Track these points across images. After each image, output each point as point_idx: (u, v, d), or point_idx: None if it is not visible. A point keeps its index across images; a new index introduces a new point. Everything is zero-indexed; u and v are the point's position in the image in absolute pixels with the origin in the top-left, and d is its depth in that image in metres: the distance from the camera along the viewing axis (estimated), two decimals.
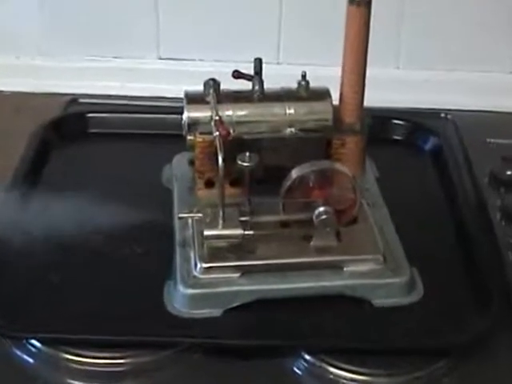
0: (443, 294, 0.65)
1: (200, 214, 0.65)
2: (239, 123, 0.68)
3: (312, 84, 0.69)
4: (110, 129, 0.83)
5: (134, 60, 0.93)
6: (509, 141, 0.83)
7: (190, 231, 0.66)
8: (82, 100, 0.90)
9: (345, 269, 0.64)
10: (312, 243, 0.65)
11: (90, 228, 0.66)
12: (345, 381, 0.59)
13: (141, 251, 0.68)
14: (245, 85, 0.69)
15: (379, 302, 0.64)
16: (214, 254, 0.64)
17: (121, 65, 0.93)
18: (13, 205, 0.70)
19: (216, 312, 0.62)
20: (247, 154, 0.64)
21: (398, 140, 0.83)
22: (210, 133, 0.65)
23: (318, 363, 0.59)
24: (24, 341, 0.60)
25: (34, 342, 0.60)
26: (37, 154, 0.79)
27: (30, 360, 0.60)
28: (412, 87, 0.89)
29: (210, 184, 0.69)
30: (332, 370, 0.59)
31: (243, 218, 0.64)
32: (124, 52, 0.93)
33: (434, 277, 0.66)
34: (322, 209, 0.64)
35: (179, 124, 0.69)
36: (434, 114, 0.88)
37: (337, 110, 0.69)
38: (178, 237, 0.67)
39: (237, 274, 0.63)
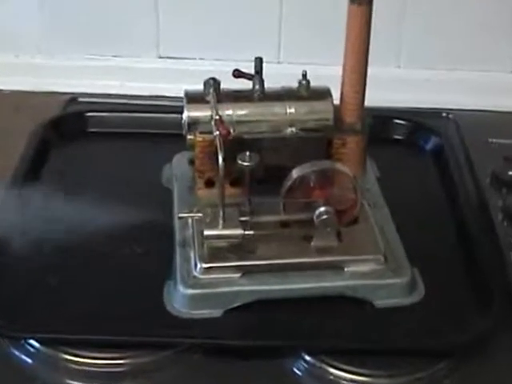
0: (444, 294, 0.65)
1: (200, 214, 0.65)
2: (239, 123, 0.68)
3: (313, 83, 0.69)
4: (110, 128, 0.83)
5: (133, 59, 0.93)
6: (511, 141, 0.83)
7: (190, 231, 0.66)
8: (81, 99, 0.90)
9: (346, 269, 0.64)
10: (313, 243, 0.65)
11: (89, 228, 0.66)
12: (345, 382, 0.58)
13: (141, 251, 0.68)
14: (245, 84, 0.69)
15: (380, 302, 0.63)
16: (214, 254, 0.64)
17: (120, 64, 0.93)
18: (12, 204, 0.69)
19: (216, 312, 0.62)
20: (247, 153, 0.64)
21: (398, 140, 0.83)
22: (210, 132, 0.65)
23: (318, 364, 0.59)
24: (23, 341, 0.60)
25: (32, 342, 0.60)
26: (36, 153, 0.79)
27: (29, 360, 0.60)
28: (413, 86, 0.89)
29: (210, 184, 0.69)
30: (332, 370, 0.59)
31: (243, 218, 0.64)
32: (124, 51, 0.93)
33: (435, 277, 0.66)
34: (322, 209, 0.63)
35: (179, 123, 0.69)
36: (435, 113, 0.88)
37: (338, 110, 0.69)
38: (177, 237, 0.67)
39: (237, 275, 0.63)
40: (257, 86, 0.68)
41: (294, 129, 0.69)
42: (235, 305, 0.62)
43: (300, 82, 0.69)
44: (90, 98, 0.89)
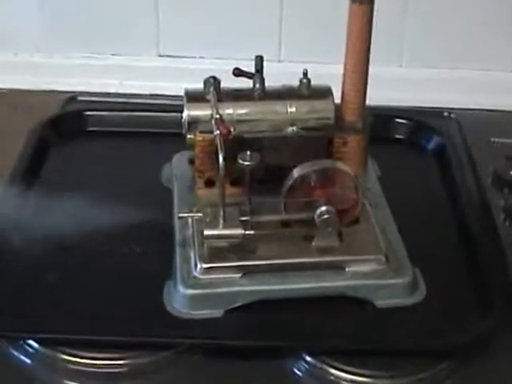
0: (446, 294, 0.65)
1: (200, 214, 0.65)
2: (240, 122, 0.68)
3: (314, 82, 0.69)
4: (109, 127, 0.83)
5: (133, 57, 0.92)
6: None
7: (190, 231, 0.66)
8: (80, 98, 0.89)
9: (347, 269, 0.64)
10: (314, 243, 0.64)
11: (88, 227, 0.66)
12: (345, 382, 0.58)
13: (140, 251, 0.67)
14: (246, 83, 0.69)
15: (381, 302, 0.63)
16: (215, 254, 0.63)
17: (120, 62, 0.92)
18: (11, 203, 0.69)
19: (217, 313, 0.62)
20: (248, 152, 0.64)
21: (400, 139, 0.83)
22: (211, 131, 0.64)
23: (318, 364, 0.59)
24: (21, 341, 0.60)
25: (31, 342, 0.60)
26: (35, 152, 0.79)
27: (28, 361, 0.60)
28: (415, 85, 0.89)
29: (210, 183, 0.69)
30: (333, 371, 0.59)
31: (244, 218, 0.64)
32: (123, 49, 0.92)
33: (436, 277, 0.66)
34: (323, 208, 0.63)
35: (179, 122, 0.69)
36: (437, 112, 0.87)
37: (339, 109, 0.69)
38: (177, 237, 0.66)
39: (237, 275, 0.63)
40: (257, 85, 0.68)
41: (294, 128, 0.68)
42: (235, 305, 0.62)
43: (301, 81, 0.69)
44: (89, 96, 0.89)
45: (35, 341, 0.60)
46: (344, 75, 0.68)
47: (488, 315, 0.62)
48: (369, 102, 0.69)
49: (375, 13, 0.66)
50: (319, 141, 0.69)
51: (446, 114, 0.88)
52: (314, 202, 0.64)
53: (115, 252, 0.67)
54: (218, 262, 0.63)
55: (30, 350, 0.60)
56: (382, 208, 0.70)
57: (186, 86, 0.70)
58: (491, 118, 0.87)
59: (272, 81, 0.69)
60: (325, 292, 0.63)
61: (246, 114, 0.68)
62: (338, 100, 0.69)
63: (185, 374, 0.59)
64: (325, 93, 0.69)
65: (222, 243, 0.63)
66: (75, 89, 0.90)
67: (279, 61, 0.91)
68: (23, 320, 0.61)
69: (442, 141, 0.81)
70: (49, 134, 0.82)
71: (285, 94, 0.69)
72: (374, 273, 0.64)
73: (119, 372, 0.59)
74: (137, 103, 0.88)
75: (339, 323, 0.62)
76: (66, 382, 0.59)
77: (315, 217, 0.63)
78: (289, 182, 0.64)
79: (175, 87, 0.74)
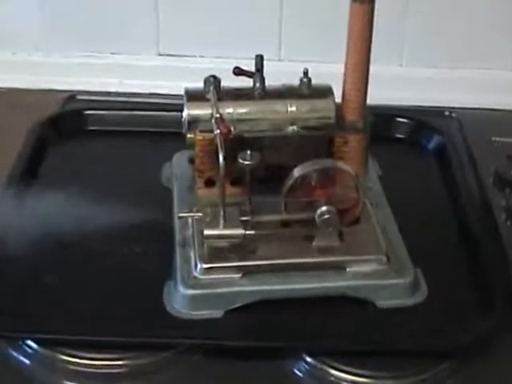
0: (447, 294, 0.64)
1: (200, 214, 0.64)
2: (240, 121, 0.67)
3: (314, 81, 0.69)
4: (108, 126, 0.83)
5: (132, 56, 0.92)
6: None
7: (190, 231, 0.66)
8: (79, 97, 0.89)
9: (347, 269, 0.64)
10: (314, 243, 0.64)
11: (88, 227, 0.66)
12: (346, 383, 0.58)
13: (140, 251, 0.67)
14: (246, 82, 0.69)
15: (382, 302, 0.63)
16: (215, 254, 0.63)
17: (119, 61, 0.92)
18: (10, 202, 0.69)
19: (217, 313, 0.62)
20: (248, 152, 0.63)
21: (401, 138, 0.83)
22: (211, 131, 0.64)
23: (319, 365, 0.59)
24: (20, 341, 0.60)
25: (30, 342, 0.60)
26: (34, 152, 0.78)
27: (27, 361, 0.59)
28: (415, 85, 0.89)
29: (210, 183, 0.69)
30: (333, 372, 0.59)
31: (244, 218, 0.63)
32: (123, 48, 0.92)
33: (437, 277, 0.65)
34: (324, 208, 0.63)
35: (179, 121, 0.69)
36: (437, 112, 0.87)
37: (339, 108, 0.69)
38: (177, 236, 0.66)
39: (238, 275, 0.62)
40: (258, 84, 0.68)
41: (295, 127, 0.68)
42: (236, 305, 0.62)
43: (301, 80, 0.69)
44: (88, 95, 0.89)
45: (34, 341, 0.59)
46: (345, 74, 0.68)
47: (489, 315, 0.61)
48: (369, 101, 0.69)
49: (376, 12, 0.66)
50: (320, 140, 0.68)
51: (446, 113, 0.88)
52: (315, 202, 0.64)
53: (115, 252, 0.67)
54: (218, 262, 0.63)
55: (29, 350, 0.59)
56: (383, 207, 0.70)
57: (186, 85, 0.69)
58: (492, 117, 0.87)
59: (272, 80, 0.69)
60: (325, 292, 0.63)
61: (246, 113, 0.68)
62: (338, 99, 0.69)
63: (185, 374, 0.59)
64: (325, 92, 0.69)
65: (222, 243, 0.63)
66: (74, 88, 0.90)
67: (279, 60, 0.91)
68: (22, 320, 0.61)
69: (442, 140, 0.81)
70: (48, 133, 0.82)
71: (285, 94, 0.69)
72: (374, 273, 0.63)
73: (119, 372, 0.59)
74: (137, 102, 0.88)
75: (340, 323, 0.62)
76: (65, 382, 0.58)
77: (316, 217, 0.63)
78: (289, 182, 0.64)
79: (175, 86, 0.74)
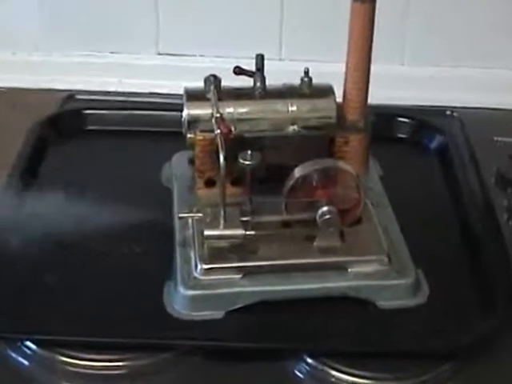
0: (449, 295, 0.64)
1: (200, 214, 0.64)
2: (240, 121, 0.67)
3: (315, 81, 0.69)
4: (108, 126, 0.83)
5: (132, 55, 0.92)
6: None
7: (191, 231, 0.66)
8: (79, 96, 0.89)
9: (349, 270, 0.63)
10: (315, 244, 0.64)
11: (87, 227, 0.66)
12: None
13: (140, 251, 0.67)
14: (246, 81, 0.68)
15: (384, 303, 0.63)
16: (215, 254, 0.63)
17: (119, 60, 0.92)
18: (9, 203, 0.69)
19: (217, 314, 0.62)
20: (249, 152, 0.63)
21: (402, 138, 0.83)
22: (211, 130, 0.64)
23: (319, 366, 0.59)
24: (19, 343, 0.60)
25: (29, 343, 0.59)
26: (34, 151, 0.78)
27: (26, 362, 0.59)
28: (417, 84, 0.89)
29: (210, 183, 0.69)
30: (334, 373, 0.58)
31: (244, 218, 0.63)
32: (122, 47, 0.92)
33: (439, 278, 0.65)
34: (325, 208, 0.63)
35: (179, 121, 0.68)
36: (439, 111, 0.87)
37: (340, 108, 0.69)
38: (177, 237, 0.66)
39: (238, 275, 0.62)
40: (258, 84, 0.68)
41: (295, 127, 0.68)
42: (236, 306, 0.62)
43: (302, 80, 0.69)
44: (87, 95, 0.89)
45: (33, 342, 0.59)
46: (346, 74, 0.68)
47: (491, 315, 0.61)
48: (370, 100, 0.69)
49: (377, 11, 0.66)
50: (320, 140, 0.68)
51: (448, 112, 0.88)
52: (316, 202, 0.64)
53: (115, 252, 0.66)
54: (219, 263, 0.63)
55: (28, 351, 0.59)
56: (384, 208, 0.70)
57: (186, 84, 0.69)
58: (494, 117, 0.87)
59: (273, 79, 0.68)
60: (326, 293, 0.63)
61: (246, 112, 0.68)
62: (339, 99, 0.69)
63: (185, 375, 0.58)
64: (326, 91, 0.69)
65: (223, 244, 0.63)
66: (74, 87, 0.89)
67: (280, 59, 0.91)
68: (21, 321, 0.61)
69: (444, 140, 0.81)
70: (48, 132, 0.81)
71: (286, 93, 0.69)
72: (376, 273, 0.63)
73: (119, 374, 0.58)
74: (136, 102, 0.88)
75: (341, 324, 0.62)
76: None
77: (317, 217, 0.63)
78: (290, 182, 0.64)
79: (175, 86, 0.74)
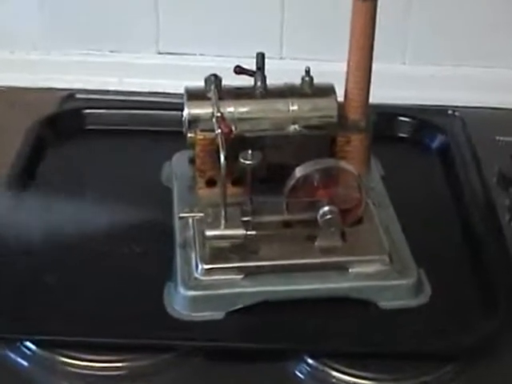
0: (451, 295, 0.64)
1: (201, 214, 0.64)
2: (241, 120, 0.67)
3: (316, 80, 0.69)
4: (108, 125, 0.83)
5: (132, 54, 0.92)
6: None
7: (191, 231, 0.65)
8: (78, 95, 0.89)
9: (350, 270, 0.63)
10: (316, 244, 0.64)
11: (87, 227, 0.65)
12: None
13: (140, 251, 0.67)
14: (247, 80, 0.68)
15: (385, 303, 0.63)
16: (216, 254, 0.63)
17: (119, 59, 0.92)
18: (8, 203, 0.69)
19: (218, 315, 0.62)
20: (249, 151, 0.63)
21: (403, 137, 0.83)
22: (212, 130, 0.64)
23: (320, 367, 0.59)
24: (19, 343, 0.59)
25: (28, 344, 0.59)
26: (32, 151, 0.78)
27: (25, 363, 0.59)
28: (418, 83, 0.88)
29: (211, 183, 0.68)
30: (335, 374, 0.58)
31: (245, 218, 0.63)
32: (122, 46, 0.92)
33: (441, 278, 0.65)
34: (326, 208, 0.63)
35: (179, 121, 0.68)
36: (440, 110, 0.87)
37: (341, 107, 0.69)
38: (178, 237, 0.66)
39: (239, 276, 0.62)
40: (259, 83, 0.68)
41: (297, 126, 0.68)
42: (237, 307, 0.62)
43: (303, 79, 0.69)
44: (87, 94, 0.89)
45: (33, 343, 0.59)
46: (347, 73, 0.68)
47: (493, 316, 0.61)
48: (372, 99, 0.68)
49: (379, 9, 0.65)
50: (322, 139, 0.68)
51: (449, 111, 0.87)
52: (317, 202, 0.63)
53: (115, 252, 0.66)
54: (220, 263, 0.62)
55: (28, 352, 0.59)
56: (386, 207, 0.69)
57: (187, 83, 0.69)
58: (496, 116, 0.87)
59: (274, 78, 0.68)
60: (327, 293, 0.62)
61: (247, 112, 0.67)
62: (340, 98, 0.69)
63: (185, 376, 0.58)
64: (327, 91, 0.69)
65: (224, 244, 0.63)
66: (73, 86, 0.89)
67: (281, 58, 0.91)
68: (21, 322, 0.61)
69: (445, 139, 0.81)
70: (47, 132, 0.81)
71: (287, 92, 0.68)
72: (377, 274, 0.63)
73: (119, 375, 0.58)
74: (136, 101, 0.88)
75: (342, 325, 0.61)
76: None
77: (318, 217, 0.63)
78: (291, 182, 0.64)
79: (175, 85, 0.73)
